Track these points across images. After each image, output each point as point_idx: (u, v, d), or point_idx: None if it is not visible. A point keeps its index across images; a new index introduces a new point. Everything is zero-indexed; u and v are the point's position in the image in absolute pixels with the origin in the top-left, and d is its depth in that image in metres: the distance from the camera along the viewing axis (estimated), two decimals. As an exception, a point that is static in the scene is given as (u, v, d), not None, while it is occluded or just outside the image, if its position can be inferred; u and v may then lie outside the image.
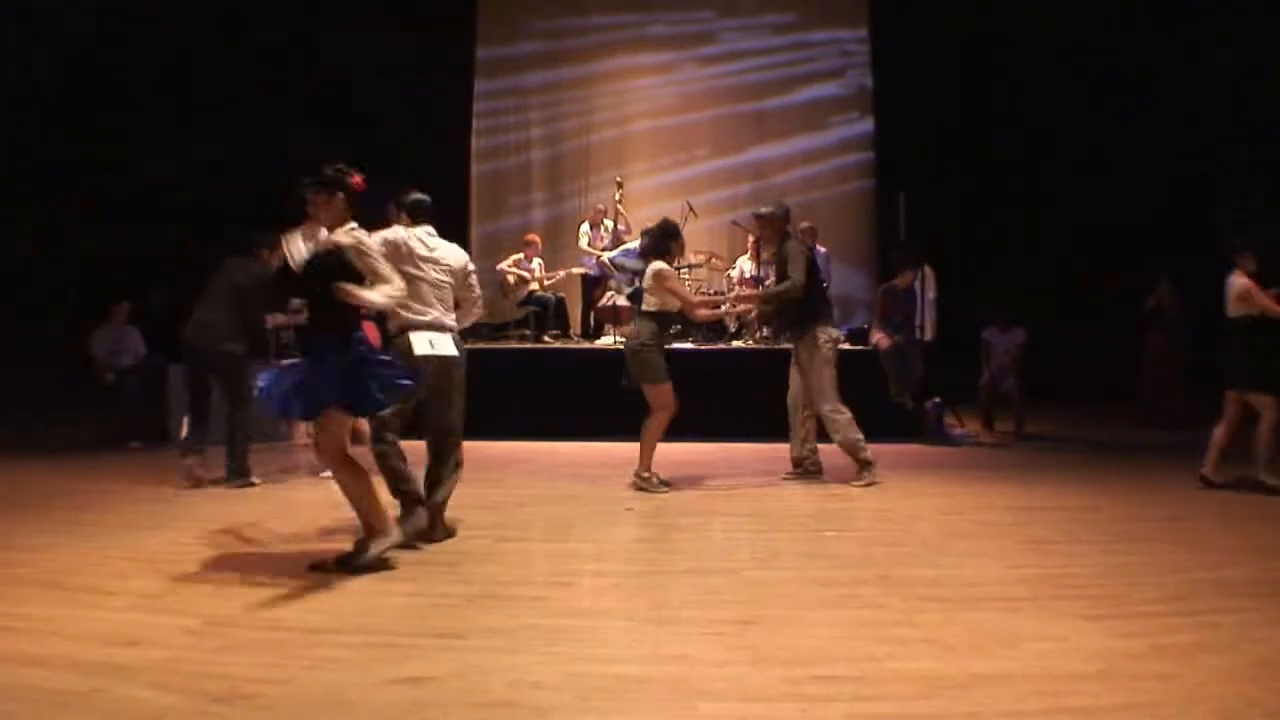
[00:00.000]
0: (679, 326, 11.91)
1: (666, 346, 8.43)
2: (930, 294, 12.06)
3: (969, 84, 15.49)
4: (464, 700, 3.77)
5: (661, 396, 8.08)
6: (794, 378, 8.71)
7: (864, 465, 8.49)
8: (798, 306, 8.47)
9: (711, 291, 13.10)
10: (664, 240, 8.35)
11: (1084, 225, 15.44)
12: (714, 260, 13.66)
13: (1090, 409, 13.71)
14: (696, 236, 14.32)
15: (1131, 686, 3.88)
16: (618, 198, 13.91)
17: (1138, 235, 14.61)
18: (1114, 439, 11.55)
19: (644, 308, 8.25)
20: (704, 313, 9.18)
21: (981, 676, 3.98)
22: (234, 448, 8.48)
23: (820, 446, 8.78)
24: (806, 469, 8.77)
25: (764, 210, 8.84)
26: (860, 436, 8.48)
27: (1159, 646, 4.31)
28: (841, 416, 8.44)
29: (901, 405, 11.11)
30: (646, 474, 8.17)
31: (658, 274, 8.17)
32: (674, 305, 8.29)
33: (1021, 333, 12.03)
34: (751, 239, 12.96)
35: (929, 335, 11.96)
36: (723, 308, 9.47)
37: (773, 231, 8.75)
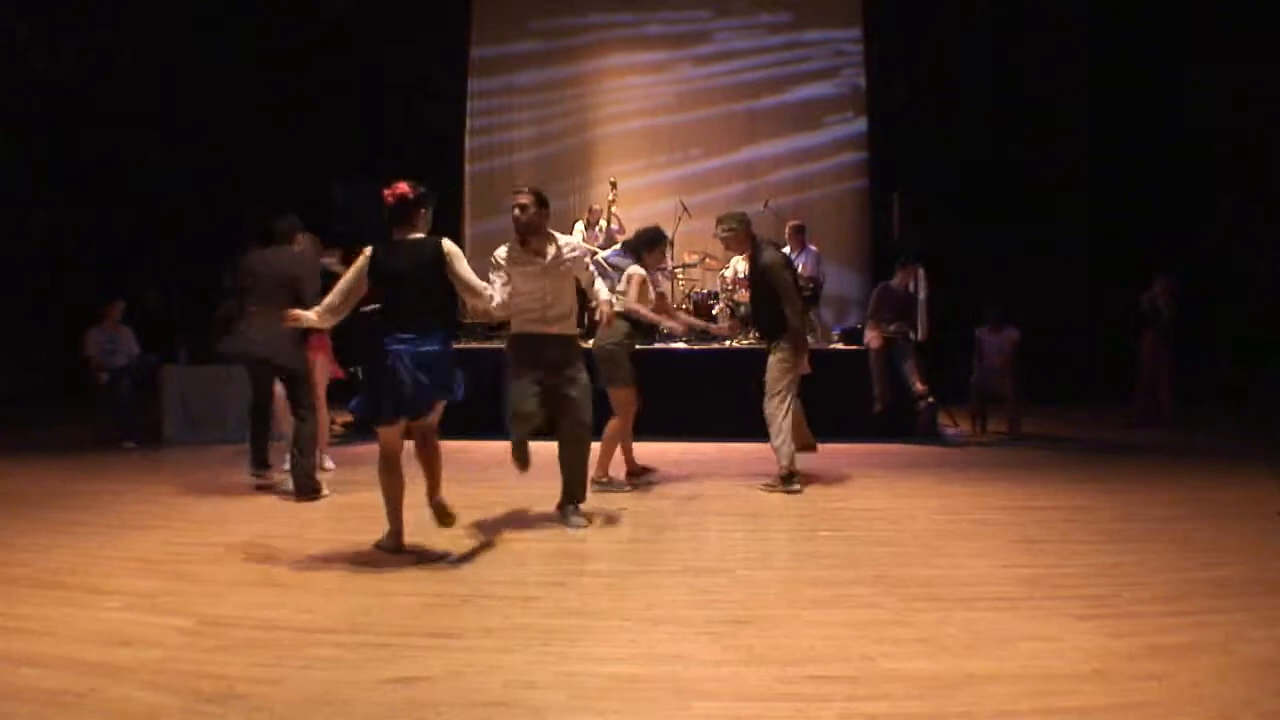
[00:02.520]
0: (664, 330, 11.94)
1: (639, 347, 8.39)
2: (922, 294, 12.06)
3: (964, 83, 15.49)
4: (458, 700, 3.78)
5: (621, 398, 8.06)
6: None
7: (788, 475, 8.22)
8: (780, 311, 8.33)
9: (705, 292, 13.09)
10: (640, 244, 8.38)
11: (1080, 225, 15.46)
12: (708, 260, 13.64)
13: (1084, 409, 13.70)
14: (690, 236, 14.30)
15: (1125, 686, 3.89)
16: (611, 198, 13.90)
17: (1135, 235, 14.63)
18: (1109, 439, 11.54)
19: (617, 308, 8.20)
20: (672, 322, 9.13)
21: (976, 676, 3.99)
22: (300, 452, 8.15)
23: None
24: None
25: (723, 234, 8.53)
26: (793, 446, 8.25)
27: (1153, 646, 4.32)
28: (784, 418, 8.21)
29: (879, 412, 11.14)
30: (605, 478, 8.16)
31: (627, 276, 8.28)
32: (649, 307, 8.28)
33: (1014, 332, 11.99)
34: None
35: (922, 335, 11.96)
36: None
37: (739, 242, 8.53)
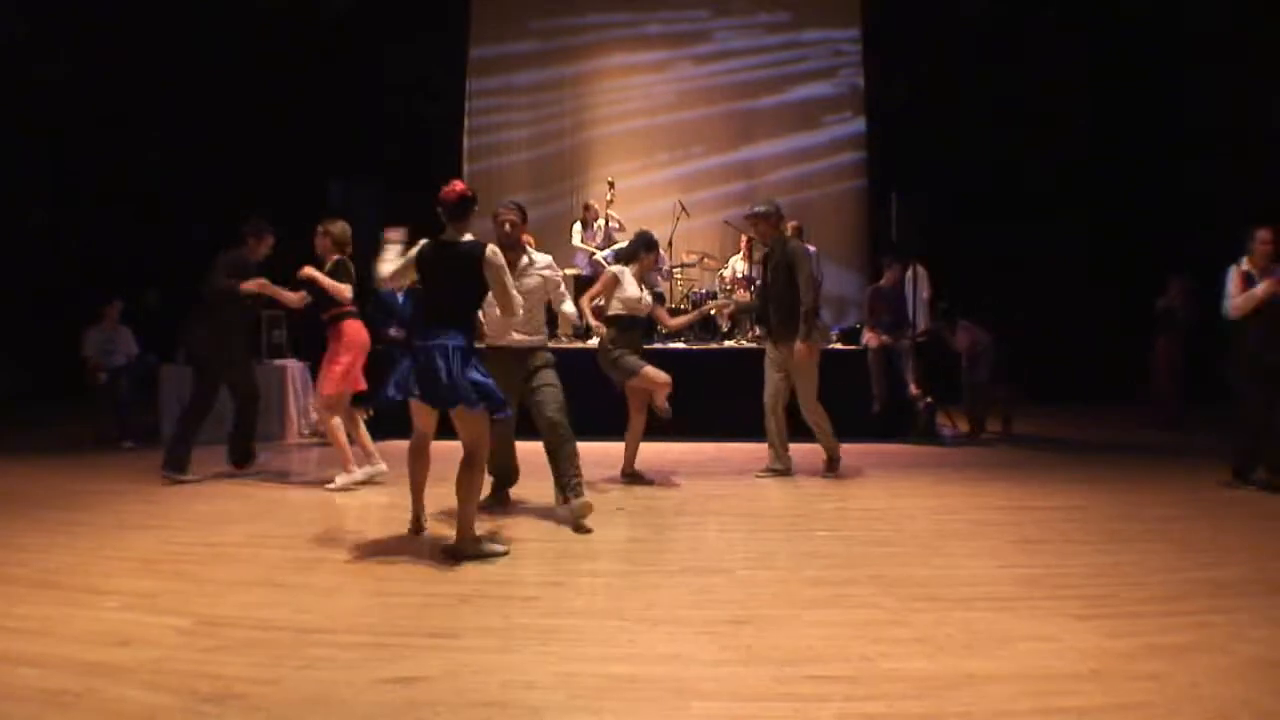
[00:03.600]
0: (663, 330, 11.94)
1: (639, 345, 8.48)
2: (924, 294, 12.05)
3: (962, 83, 15.49)
4: (456, 700, 3.77)
5: (648, 379, 8.14)
6: (772, 378, 8.78)
7: (834, 462, 8.94)
8: (795, 307, 8.49)
9: (704, 292, 13.09)
10: (634, 249, 8.50)
11: (1080, 225, 15.44)
12: (706, 260, 13.66)
13: (1084, 409, 13.70)
14: (689, 236, 14.32)
15: (1124, 686, 3.89)
16: (609, 198, 13.89)
17: (1134, 235, 14.63)
18: (1107, 439, 11.53)
19: (610, 311, 8.30)
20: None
21: (974, 676, 3.98)
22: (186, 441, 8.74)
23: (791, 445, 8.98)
24: (783, 468, 8.90)
25: (759, 209, 8.84)
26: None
27: (1151, 646, 4.32)
28: (825, 420, 8.75)
29: (879, 415, 11.21)
30: (630, 471, 8.56)
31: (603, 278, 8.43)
32: (641, 310, 8.31)
33: (967, 335, 11.84)
34: (744, 239, 12.99)
35: (922, 326, 11.94)
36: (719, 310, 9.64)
37: (768, 228, 8.78)
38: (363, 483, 8.27)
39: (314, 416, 11.59)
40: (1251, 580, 5.43)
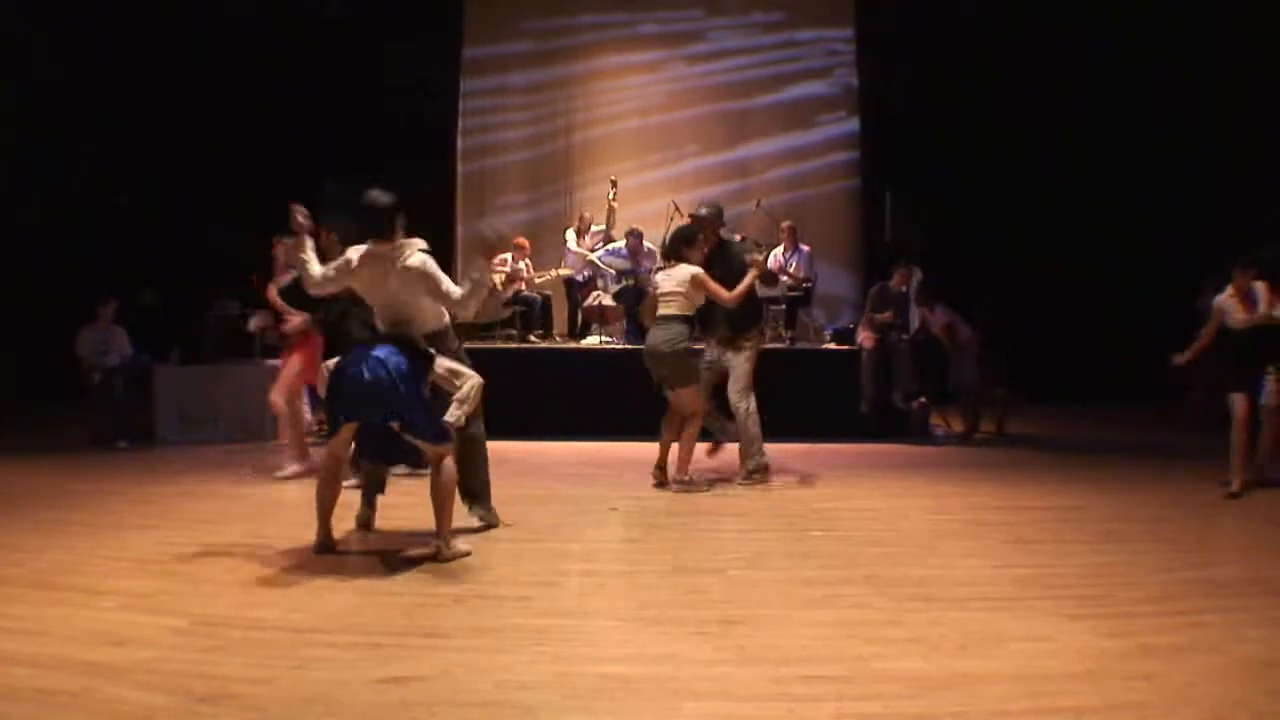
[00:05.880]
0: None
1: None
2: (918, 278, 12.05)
3: (956, 83, 15.49)
4: (451, 700, 3.78)
5: (698, 400, 8.09)
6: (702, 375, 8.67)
7: (756, 467, 8.47)
8: (746, 308, 8.42)
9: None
10: (678, 246, 8.29)
11: (1078, 224, 15.44)
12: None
13: (1083, 412, 13.68)
14: (683, 235, 14.28)
15: (1119, 686, 3.90)
16: (611, 195, 13.83)
17: (1132, 235, 14.63)
18: (1106, 440, 11.52)
19: (673, 311, 8.06)
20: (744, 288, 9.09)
21: (968, 676, 3.99)
22: None
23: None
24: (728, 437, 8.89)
25: (701, 212, 8.72)
26: (759, 435, 8.44)
27: (1146, 646, 4.32)
28: (753, 410, 8.36)
29: (867, 415, 11.16)
30: (687, 478, 8.22)
31: (694, 278, 8.05)
32: (694, 309, 8.23)
33: (945, 316, 11.69)
34: (738, 237, 12.97)
35: (916, 325, 11.93)
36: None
37: (708, 233, 8.67)
38: None
39: (309, 417, 11.61)
40: (1247, 580, 5.44)
